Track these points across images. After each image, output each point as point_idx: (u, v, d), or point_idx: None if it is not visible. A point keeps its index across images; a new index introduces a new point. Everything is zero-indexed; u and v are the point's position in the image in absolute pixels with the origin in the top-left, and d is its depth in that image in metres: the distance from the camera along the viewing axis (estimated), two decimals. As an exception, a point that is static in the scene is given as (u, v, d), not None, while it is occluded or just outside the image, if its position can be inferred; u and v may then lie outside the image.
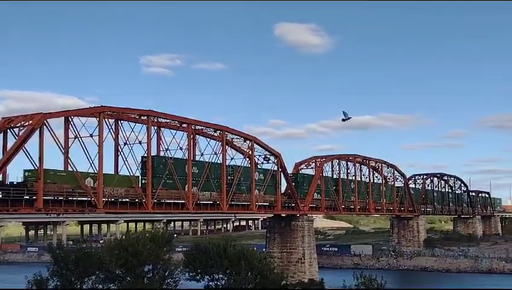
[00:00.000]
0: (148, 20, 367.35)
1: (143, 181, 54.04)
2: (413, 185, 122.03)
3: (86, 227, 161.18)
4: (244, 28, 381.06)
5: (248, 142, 68.58)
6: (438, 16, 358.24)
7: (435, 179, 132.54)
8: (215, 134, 64.76)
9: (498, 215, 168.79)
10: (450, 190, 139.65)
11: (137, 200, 52.52)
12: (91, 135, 49.40)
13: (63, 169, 47.93)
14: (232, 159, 68.22)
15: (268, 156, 72.86)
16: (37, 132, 43.79)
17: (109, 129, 51.55)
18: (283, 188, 76.27)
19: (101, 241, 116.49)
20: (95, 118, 49.55)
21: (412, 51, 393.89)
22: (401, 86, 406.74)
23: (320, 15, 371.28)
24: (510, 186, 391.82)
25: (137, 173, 54.12)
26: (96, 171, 48.03)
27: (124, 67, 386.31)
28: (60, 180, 45.87)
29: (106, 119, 50.58)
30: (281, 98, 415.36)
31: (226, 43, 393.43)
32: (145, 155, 54.41)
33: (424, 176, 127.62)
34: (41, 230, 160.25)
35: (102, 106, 50.29)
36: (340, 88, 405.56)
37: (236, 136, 67.71)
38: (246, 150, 68.93)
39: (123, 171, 53.14)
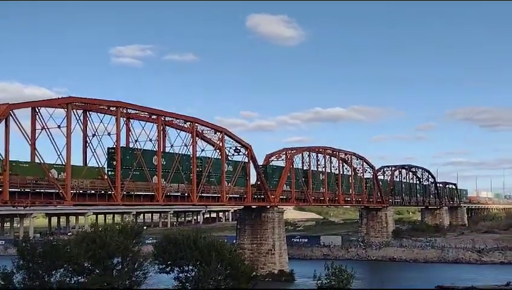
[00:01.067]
0: (118, 11, 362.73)
1: (109, 173, 53.47)
2: (382, 177, 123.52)
3: (54, 219, 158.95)
4: (216, 19, 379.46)
5: (218, 133, 68.43)
6: (409, 9, 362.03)
7: (403, 170, 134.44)
8: (185, 125, 64.43)
9: (464, 206, 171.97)
10: (417, 182, 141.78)
11: (102, 191, 51.94)
12: (59, 126, 48.72)
13: (29, 160, 47.14)
14: (202, 150, 68.15)
15: (239, 148, 72.85)
16: (2, 123, 42.91)
17: (77, 120, 50.87)
18: (254, 180, 76.51)
19: (69, 234, 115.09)
20: (63, 109, 48.80)
21: (383, 44, 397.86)
22: (372, 79, 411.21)
23: (293, 7, 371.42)
24: (476, 177, 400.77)
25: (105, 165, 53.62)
26: (63, 163, 47.37)
27: (94, 58, 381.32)
28: (22, 171, 44.98)
29: (74, 110, 49.86)
30: (252, 90, 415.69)
31: (197, 34, 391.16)
32: (112, 147, 53.89)
33: (393, 168, 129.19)
34: (8, 223, 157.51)
35: (70, 97, 49.59)
36: (311, 80, 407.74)
37: (207, 128, 67.50)
38: (216, 141, 68.77)
39: (92, 163, 52.72)
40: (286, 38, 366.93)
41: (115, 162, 53.03)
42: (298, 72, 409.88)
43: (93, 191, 50.82)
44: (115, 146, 53.55)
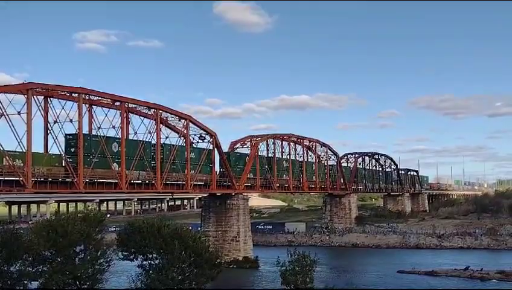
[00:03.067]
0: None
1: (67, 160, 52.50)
2: (345, 164, 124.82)
3: (15, 208, 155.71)
4: (183, 5, 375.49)
5: (183, 121, 67.99)
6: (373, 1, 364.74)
7: (366, 157, 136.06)
8: (149, 112, 63.78)
9: (425, 193, 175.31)
10: (380, 169, 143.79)
11: (60, 179, 51.03)
12: (19, 113, 47.64)
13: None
14: (167, 138, 67.66)
15: (204, 135, 72.58)
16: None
17: (38, 107, 49.85)
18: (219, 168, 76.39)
19: (30, 222, 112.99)
20: (23, 95, 47.69)
21: (347, 32, 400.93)
22: (338, 67, 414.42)
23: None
24: (437, 164, 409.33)
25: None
26: (23, 150, 46.37)
27: (57, 43, 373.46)
28: None
29: (35, 97, 48.79)
30: (218, 77, 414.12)
31: (163, 20, 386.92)
32: (69, 133, 53.06)
33: (356, 155, 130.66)
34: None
35: (30, 83, 48.48)
36: (278, 68, 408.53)
37: (171, 115, 66.96)
38: (180, 129, 68.33)
39: (54, 150, 51.88)
40: (253, 24, 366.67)
41: (72, 149, 52.20)
42: (265, 59, 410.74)
43: (50, 179, 49.91)
44: (73, 133, 52.76)
